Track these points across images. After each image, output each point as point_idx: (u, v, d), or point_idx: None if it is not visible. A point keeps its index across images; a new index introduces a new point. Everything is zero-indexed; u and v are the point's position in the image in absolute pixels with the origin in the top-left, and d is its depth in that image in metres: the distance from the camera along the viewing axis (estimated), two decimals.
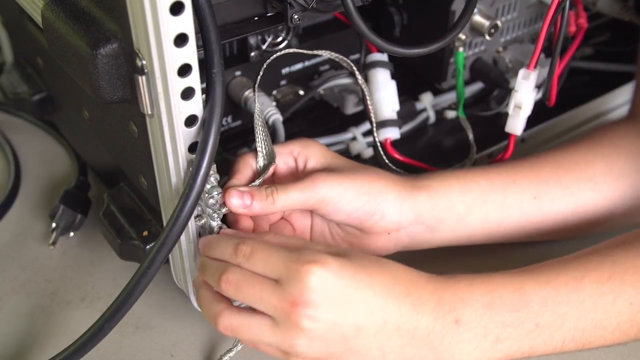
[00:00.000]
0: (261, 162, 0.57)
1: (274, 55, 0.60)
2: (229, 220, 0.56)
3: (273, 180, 0.58)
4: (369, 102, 0.65)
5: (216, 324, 0.50)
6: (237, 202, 0.53)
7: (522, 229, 0.61)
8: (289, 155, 0.58)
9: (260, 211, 0.54)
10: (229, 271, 0.49)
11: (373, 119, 0.65)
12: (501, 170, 0.61)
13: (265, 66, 0.60)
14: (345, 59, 0.63)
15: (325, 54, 0.62)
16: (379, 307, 0.48)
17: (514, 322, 0.50)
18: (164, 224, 0.54)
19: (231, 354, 0.58)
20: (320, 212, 0.56)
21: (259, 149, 0.57)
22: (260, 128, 0.57)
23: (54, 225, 0.68)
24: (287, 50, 0.61)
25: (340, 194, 0.55)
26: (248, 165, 0.57)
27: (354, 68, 0.63)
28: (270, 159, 0.57)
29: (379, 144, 0.66)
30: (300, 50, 0.61)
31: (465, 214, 0.59)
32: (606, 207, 0.62)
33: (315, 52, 0.62)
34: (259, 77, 0.61)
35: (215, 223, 0.53)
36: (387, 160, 0.67)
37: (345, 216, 0.56)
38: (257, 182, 0.56)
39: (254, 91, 0.61)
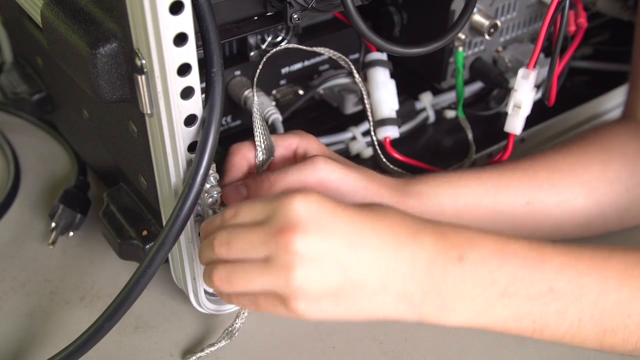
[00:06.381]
0: (260, 156, 0.56)
1: (274, 50, 0.60)
2: None
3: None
4: (366, 102, 0.65)
5: (211, 281, 0.48)
6: (235, 198, 0.53)
7: (514, 234, 0.61)
8: (287, 148, 0.57)
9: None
10: (218, 233, 0.47)
11: (370, 118, 0.65)
12: (494, 174, 0.60)
13: (264, 60, 0.59)
14: (343, 57, 0.63)
15: (324, 52, 0.62)
16: (370, 229, 0.45)
17: (525, 278, 0.45)
18: (164, 223, 0.54)
19: (212, 349, 0.58)
20: None
21: (257, 143, 0.56)
22: (259, 122, 0.56)
23: (53, 224, 0.68)
24: (286, 46, 0.60)
25: (341, 179, 0.54)
26: (245, 159, 0.56)
27: (352, 67, 0.63)
28: (269, 153, 0.57)
29: (376, 143, 0.66)
30: (300, 46, 0.61)
31: (456, 219, 0.58)
32: (600, 212, 0.61)
33: (314, 49, 0.61)
34: (257, 71, 0.60)
35: None
36: (385, 160, 0.67)
37: None
38: None
39: (252, 86, 0.61)
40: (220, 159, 0.68)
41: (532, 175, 0.60)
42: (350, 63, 0.63)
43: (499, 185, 0.59)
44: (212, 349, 0.58)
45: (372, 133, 0.66)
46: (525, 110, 0.63)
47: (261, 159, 0.56)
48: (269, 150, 0.57)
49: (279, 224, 0.45)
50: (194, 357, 0.58)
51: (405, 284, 0.45)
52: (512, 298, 0.46)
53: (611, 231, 0.63)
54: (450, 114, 0.78)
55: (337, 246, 0.44)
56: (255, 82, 0.60)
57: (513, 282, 0.46)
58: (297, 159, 0.58)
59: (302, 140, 0.57)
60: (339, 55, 0.62)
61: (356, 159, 0.73)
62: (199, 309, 0.60)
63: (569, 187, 0.60)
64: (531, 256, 0.46)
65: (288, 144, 0.57)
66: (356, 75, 0.64)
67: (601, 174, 0.61)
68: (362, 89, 0.64)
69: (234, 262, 0.47)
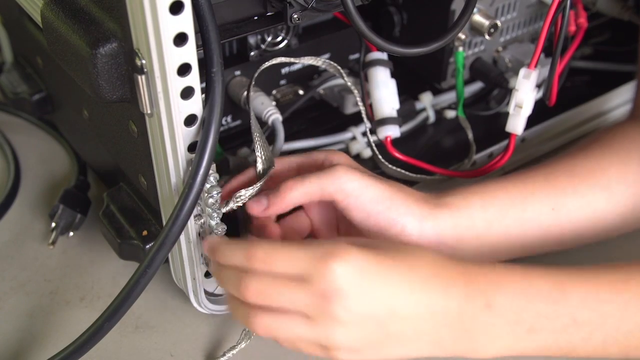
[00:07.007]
0: (260, 167, 0.57)
1: (261, 68, 0.62)
2: (255, 227, 0.57)
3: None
4: (360, 105, 0.65)
5: (251, 327, 0.49)
6: (256, 208, 0.55)
7: (542, 241, 0.61)
8: (313, 164, 0.58)
9: (280, 204, 0.55)
10: (246, 280, 0.48)
11: (366, 120, 0.65)
12: (518, 183, 0.60)
13: (255, 75, 0.61)
14: (333, 64, 0.63)
15: (312, 61, 0.63)
16: (408, 290, 0.48)
17: (549, 314, 0.49)
18: (164, 223, 0.54)
19: (234, 352, 0.58)
20: (340, 206, 0.56)
21: (258, 154, 0.57)
22: (257, 135, 0.58)
23: (53, 224, 0.68)
24: (273, 61, 0.62)
25: (361, 189, 0.55)
26: (249, 173, 0.58)
27: (342, 72, 0.63)
28: (270, 163, 0.58)
29: (373, 144, 0.66)
30: (288, 59, 0.62)
31: (486, 231, 0.58)
32: (620, 214, 0.61)
33: (302, 59, 0.62)
34: (250, 87, 0.62)
35: (215, 222, 0.53)
36: (383, 159, 0.67)
37: (364, 215, 0.55)
38: (259, 184, 0.56)
39: (247, 101, 0.62)
40: (221, 159, 0.68)
41: (553, 181, 0.60)
42: (340, 69, 0.63)
43: (525, 194, 0.60)
44: (234, 351, 0.58)
45: (369, 134, 0.66)
46: (527, 110, 0.63)
47: (260, 169, 0.57)
48: (269, 160, 0.58)
49: (322, 288, 0.46)
50: None
51: (438, 331, 0.48)
52: (538, 333, 0.49)
53: (628, 233, 0.63)
54: (450, 114, 0.78)
55: (378, 310, 0.47)
56: (250, 95, 0.61)
57: (538, 320, 0.49)
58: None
59: (329, 155, 0.58)
60: (329, 62, 0.63)
61: (356, 159, 0.73)
62: (199, 308, 0.60)
63: (590, 190, 0.60)
64: (554, 292, 0.49)
65: (314, 159, 0.59)
66: (348, 82, 0.63)
67: (621, 176, 0.61)
68: (355, 91, 0.64)
69: (272, 311, 0.48)
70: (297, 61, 0.62)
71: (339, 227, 0.60)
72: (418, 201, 0.57)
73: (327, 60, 0.63)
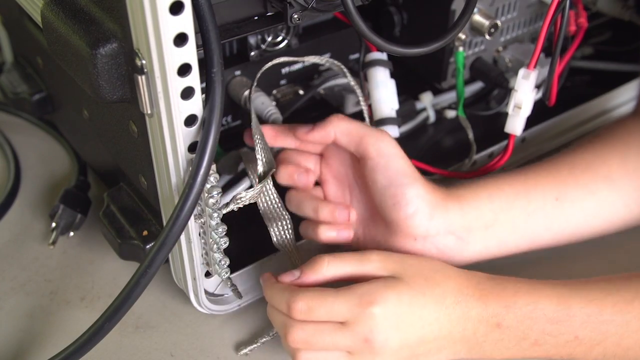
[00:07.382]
0: (260, 169, 0.58)
1: (264, 68, 0.62)
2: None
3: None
4: (363, 104, 0.65)
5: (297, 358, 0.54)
6: (303, 131, 0.59)
7: (548, 233, 0.61)
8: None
9: (322, 130, 0.58)
10: (291, 329, 0.53)
11: (367, 120, 0.65)
12: (521, 176, 0.62)
13: (255, 81, 0.62)
14: (336, 62, 0.63)
15: (316, 60, 0.63)
16: (434, 319, 0.54)
17: (553, 332, 0.54)
18: (164, 223, 0.54)
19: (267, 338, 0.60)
20: (369, 164, 0.58)
21: (258, 156, 0.58)
22: (258, 137, 0.58)
23: (53, 224, 0.68)
24: (276, 61, 0.62)
25: (394, 156, 0.58)
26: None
27: (346, 72, 0.63)
28: (270, 165, 0.58)
29: None
30: (292, 58, 0.63)
31: (493, 222, 0.60)
32: (623, 204, 0.62)
33: (307, 58, 0.63)
34: (252, 89, 0.62)
35: (215, 222, 0.53)
36: None
37: (386, 183, 0.57)
38: (259, 186, 0.56)
39: (248, 103, 0.62)
40: (223, 160, 0.68)
41: (555, 173, 0.62)
42: (344, 68, 0.63)
43: (528, 186, 0.61)
44: (266, 338, 0.60)
45: None
46: (526, 110, 0.63)
47: (261, 171, 0.58)
48: (270, 163, 0.58)
49: (363, 334, 0.52)
50: (248, 349, 0.60)
51: (455, 346, 0.55)
52: (541, 346, 0.54)
53: (634, 225, 0.63)
54: (450, 113, 0.78)
55: (410, 340, 0.53)
56: (251, 98, 0.62)
57: (542, 336, 0.54)
58: None
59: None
60: (332, 61, 0.64)
61: None
62: (199, 309, 0.60)
63: (592, 180, 0.62)
64: (558, 312, 0.54)
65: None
66: (351, 80, 0.63)
67: (621, 165, 0.62)
68: (358, 91, 0.64)
69: (317, 349, 0.54)
70: (301, 60, 0.63)
71: (352, 203, 0.62)
72: (433, 189, 0.59)
73: (331, 60, 0.63)
